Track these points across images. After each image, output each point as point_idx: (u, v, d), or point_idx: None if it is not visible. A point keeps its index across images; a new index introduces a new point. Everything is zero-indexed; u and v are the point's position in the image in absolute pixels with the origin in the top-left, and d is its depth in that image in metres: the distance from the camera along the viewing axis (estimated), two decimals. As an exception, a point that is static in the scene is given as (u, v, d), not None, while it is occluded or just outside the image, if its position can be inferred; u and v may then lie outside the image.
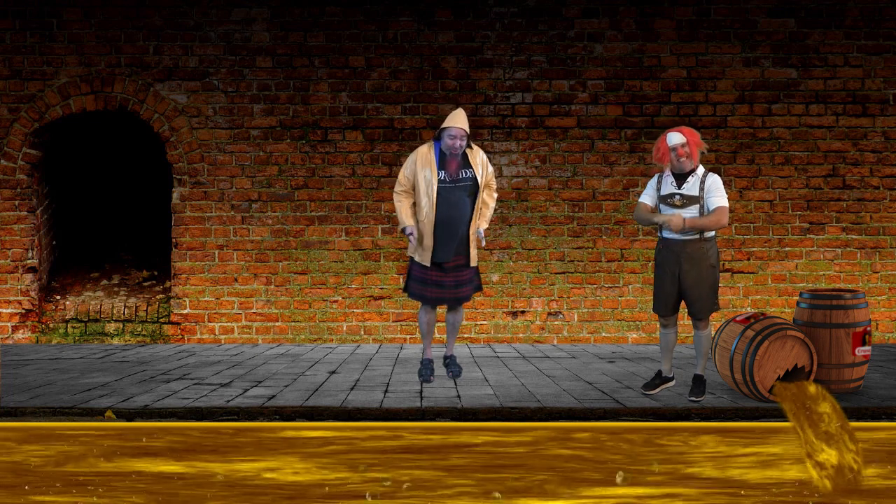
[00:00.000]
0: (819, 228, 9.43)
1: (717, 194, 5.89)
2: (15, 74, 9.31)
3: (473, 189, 6.56)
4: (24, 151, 9.32)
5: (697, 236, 5.95)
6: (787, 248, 9.43)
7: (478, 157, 6.58)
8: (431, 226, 6.49)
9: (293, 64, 9.39)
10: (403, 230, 6.60)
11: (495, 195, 6.78)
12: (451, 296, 6.68)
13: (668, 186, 6.00)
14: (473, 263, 6.70)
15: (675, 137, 5.92)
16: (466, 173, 6.51)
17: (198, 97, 9.36)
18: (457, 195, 6.49)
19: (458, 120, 6.44)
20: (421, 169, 6.48)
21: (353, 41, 9.39)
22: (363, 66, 9.40)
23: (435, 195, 6.45)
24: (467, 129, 6.46)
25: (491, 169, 6.68)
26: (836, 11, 9.38)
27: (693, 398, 6.02)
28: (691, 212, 5.91)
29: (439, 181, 6.46)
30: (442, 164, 6.48)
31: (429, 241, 6.52)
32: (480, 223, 6.67)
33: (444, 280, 6.61)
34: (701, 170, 5.97)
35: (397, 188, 6.61)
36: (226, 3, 9.35)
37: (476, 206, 6.59)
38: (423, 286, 6.65)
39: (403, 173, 6.57)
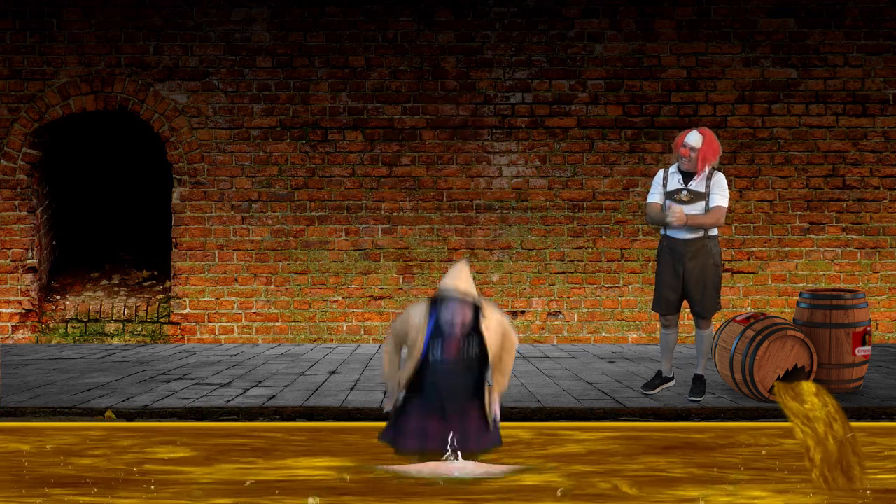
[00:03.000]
0: (819, 228, 9.42)
1: (720, 193, 5.91)
2: (15, 74, 9.31)
3: (480, 362, 4.44)
4: (24, 151, 9.32)
5: (701, 234, 5.94)
6: (787, 248, 9.42)
7: (491, 322, 4.41)
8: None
9: (293, 64, 9.38)
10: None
11: (516, 344, 4.62)
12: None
13: (675, 182, 5.99)
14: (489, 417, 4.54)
15: (693, 138, 5.89)
16: (470, 350, 4.41)
17: (198, 97, 9.36)
18: (457, 373, 4.42)
19: (459, 282, 4.34)
20: (410, 332, 4.47)
21: (353, 41, 9.39)
22: (363, 66, 9.39)
23: (426, 372, 4.46)
24: (476, 298, 4.38)
25: (512, 339, 4.54)
26: (836, 11, 9.38)
27: (693, 398, 6.01)
28: (697, 208, 5.91)
29: (433, 361, 4.41)
30: (436, 334, 4.37)
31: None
32: (494, 392, 4.55)
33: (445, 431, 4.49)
34: (707, 168, 5.96)
35: (387, 336, 4.70)
36: (226, 3, 9.35)
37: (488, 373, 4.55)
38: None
39: (393, 326, 4.60)
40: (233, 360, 8.06)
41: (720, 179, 5.93)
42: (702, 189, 5.91)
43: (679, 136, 6.00)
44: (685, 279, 5.98)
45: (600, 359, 8.13)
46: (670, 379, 6.36)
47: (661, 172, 6.12)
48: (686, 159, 5.90)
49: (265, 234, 9.39)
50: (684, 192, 5.93)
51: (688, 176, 5.96)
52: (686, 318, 8.66)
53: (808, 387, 4.82)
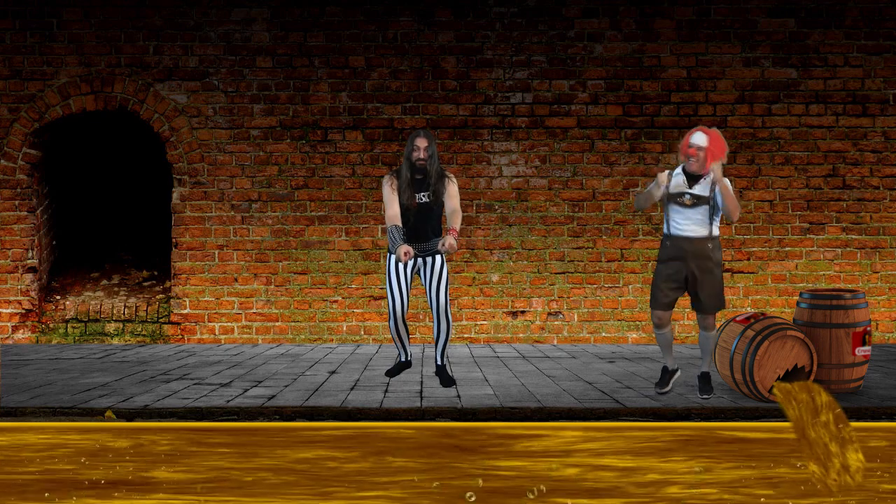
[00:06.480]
0: (819, 228, 9.43)
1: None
2: (15, 74, 9.32)
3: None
4: (24, 151, 9.32)
5: (705, 235, 5.94)
6: (787, 248, 9.43)
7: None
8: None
9: (293, 64, 9.39)
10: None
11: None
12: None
13: (680, 185, 5.97)
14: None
15: (698, 138, 5.89)
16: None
17: (198, 97, 9.36)
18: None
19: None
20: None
21: (353, 41, 9.39)
22: (363, 66, 9.40)
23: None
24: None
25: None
26: (836, 11, 9.38)
27: (703, 395, 6.05)
28: (701, 212, 5.90)
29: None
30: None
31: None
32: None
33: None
34: (712, 173, 5.94)
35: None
36: (226, 3, 9.35)
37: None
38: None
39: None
40: (233, 360, 8.06)
41: (726, 182, 5.94)
42: (705, 193, 5.90)
43: (684, 139, 5.99)
44: (688, 279, 5.99)
45: (600, 359, 8.13)
46: (676, 370, 6.37)
47: (665, 172, 6.09)
48: (694, 159, 5.87)
49: (265, 234, 9.40)
50: (687, 196, 5.92)
51: (693, 179, 5.94)
52: (686, 318, 8.68)
53: (808, 387, 4.82)
